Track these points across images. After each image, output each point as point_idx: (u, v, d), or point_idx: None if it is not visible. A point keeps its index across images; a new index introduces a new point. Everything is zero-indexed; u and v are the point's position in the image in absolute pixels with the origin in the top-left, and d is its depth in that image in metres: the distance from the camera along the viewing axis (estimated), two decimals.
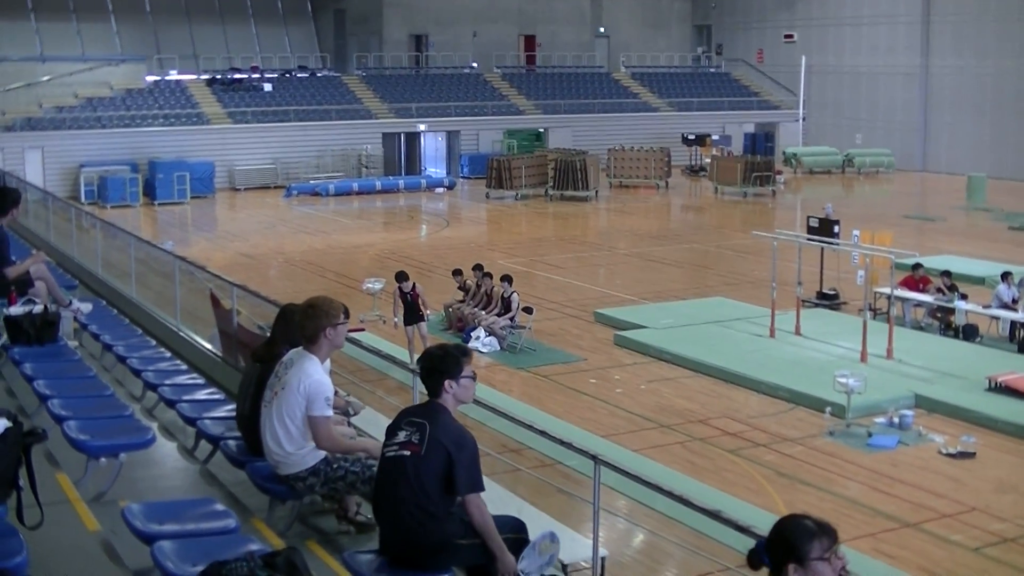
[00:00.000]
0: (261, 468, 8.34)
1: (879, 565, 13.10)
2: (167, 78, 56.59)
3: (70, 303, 14.16)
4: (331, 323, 8.00)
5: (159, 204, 47.63)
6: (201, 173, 50.15)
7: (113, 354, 12.64)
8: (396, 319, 23.09)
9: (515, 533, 7.05)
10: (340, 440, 8.09)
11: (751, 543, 6.40)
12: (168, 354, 12.95)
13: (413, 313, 22.60)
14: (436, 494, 6.83)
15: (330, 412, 8.00)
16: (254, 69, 59.02)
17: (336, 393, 9.20)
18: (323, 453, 7.96)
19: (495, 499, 8.72)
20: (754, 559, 5.20)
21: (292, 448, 7.90)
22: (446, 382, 7.01)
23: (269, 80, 57.86)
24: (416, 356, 20.32)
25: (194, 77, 57.16)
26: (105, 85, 53.75)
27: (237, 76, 57.68)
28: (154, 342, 13.88)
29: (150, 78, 55.74)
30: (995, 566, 13.66)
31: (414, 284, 22.76)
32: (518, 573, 6.84)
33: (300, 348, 8.06)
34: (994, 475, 17.27)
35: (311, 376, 7.88)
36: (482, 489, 6.95)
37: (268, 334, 9.39)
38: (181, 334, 15.43)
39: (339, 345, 8.32)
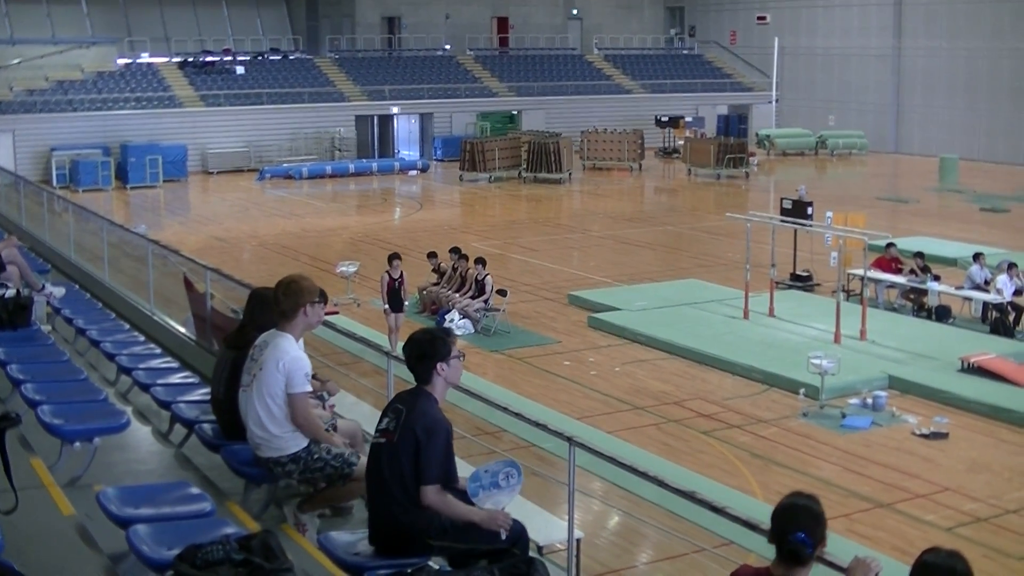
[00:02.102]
0: (236, 451, 8.34)
1: (853, 545, 13.15)
2: (139, 61, 56.31)
3: (43, 287, 14.11)
4: (310, 300, 8.01)
5: (131, 188, 47.41)
6: (173, 156, 49.94)
7: (86, 338, 12.60)
8: (385, 306, 22.45)
9: (511, 544, 7.00)
10: (316, 422, 8.09)
11: (725, 524, 6.44)
12: (142, 338, 12.92)
13: (397, 300, 22.37)
14: (411, 481, 6.84)
15: (309, 388, 7.99)
16: (226, 52, 58.76)
17: (314, 376, 9.20)
18: (305, 441, 7.94)
19: None
20: (800, 550, 5.23)
21: (277, 430, 7.89)
22: (438, 365, 7.03)
23: (241, 63, 57.63)
24: (397, 343, 20.27)
25: (166, 60, 56.89)
26: (76, 68, 53.42)
27: (209, 59, 57.43)
28: (128, 326, 13.85)
29: (121, 61, 55.39)
30: (968, 545, 13.72)
31: (402, 271, 22.46)
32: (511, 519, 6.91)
33: (273, 330, 8.04)
34: (967, 455, 17.36)
35: (288, 353, 7.87)
36: (453, 481, 6.94)
37: (242, 319, 9.37)
38: (155, 318, 15.38)
39: (314, 325, 8.32)
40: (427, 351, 7.06)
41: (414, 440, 6.84)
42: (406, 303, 23.19)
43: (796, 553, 5.21)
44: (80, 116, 50.29)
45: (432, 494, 6.82)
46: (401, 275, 22.18)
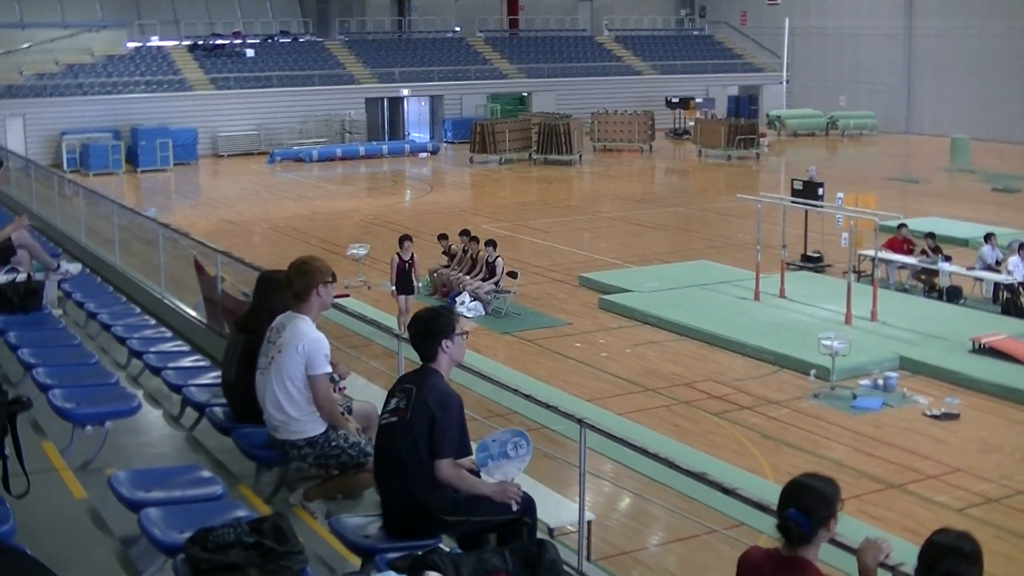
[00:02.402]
0: (248, 434, 8.35)
1: (864, 526, 13.15)
2: (148, 44, 56.28)
3: (58, 266, 14.13)
4: (323, 280, 8.01)
5: (142, 171, 47.46)
6: (184, 140, 49.98)
7: (97, 322, 12.61)
8: (393, 287, 22.56)
9: (520, 514, 7.00)
10: (335, 405, 8.10)
11: (736, 505, 6.43)
12: (153, 321, 12.92)
13: (407, 282, 22.33)
14: (427, 458, 6.85)
15: (329, 369, 8.00)
16: (236, 35, 58.70)
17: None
18: (323, 426, 7.93)
19: None
20: (790, 527, 5.21)
21: (296, 413, 7.88)
22: (443, 342, 7.04)
23: (251, 46, 57.58)
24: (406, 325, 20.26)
25: (176, 43, 56.87)
26: (86, 52, 53.46)
27: (219, 42, 57.38)
28: (138, 310, 13.85)
29: (131, 44, 55.44)
30: (979, 526, 13.71)
31: (413, 253, 22.45)
32: (514, 498, 6.91)
33: (289, 312, 8.04)
34: (978, 436, 17.35)
35: (308, 335, 7.87)
36: (467, 453, 6.96)
37: (251, 302, 9.37)
38: (165, 301, 15.39)
39: (327, 305, 8.33)
40: (432, 328, 7.08)
41: (429, 415, 6.86)
42: (418, 284, 23.21)
43: (787, 529, 5.20)
44: (90, 100, 50.35)
45: (447, 467, 6.84)
46: (412, 257, 22.20)
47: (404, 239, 22.46)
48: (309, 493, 8.03)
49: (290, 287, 8.05)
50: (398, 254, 22.20)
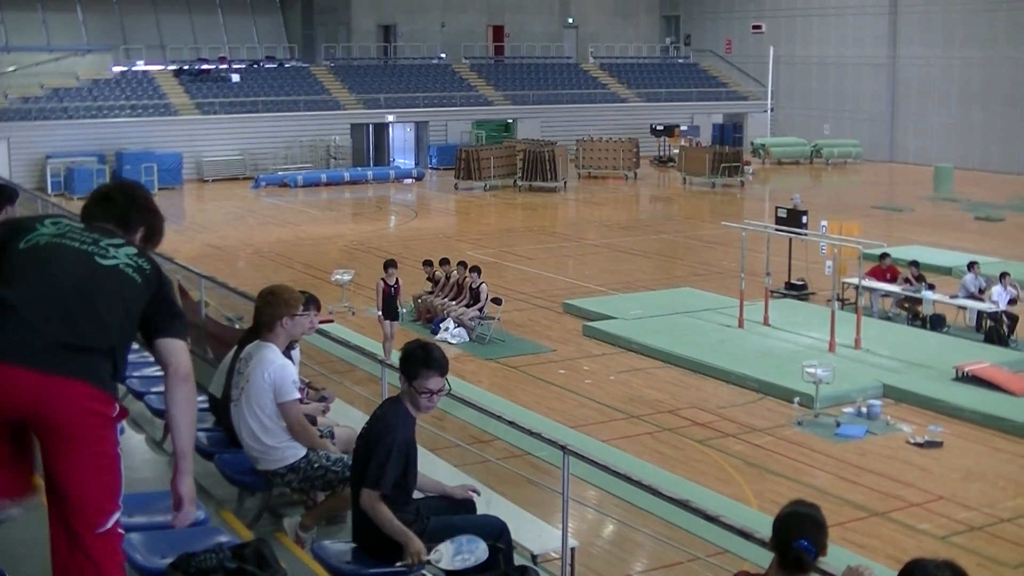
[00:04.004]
0: (230, 459, 8.32)
1: (847, 554, 13.14)
2: (134, 68, 56.24)
3: None
4: (288, 313, 8.00)
5: None
6: (169, 164, 49.90)
7: None
8: (379, 312, 22.52)
9: (494, 540, 6.97)
10: (311, 428, 8.08)
11: (720, 532, 6.43)
12: (136, 346, 12.86)
13: (392, 307, 22.27)
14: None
15: (297, 395, 7.98)
16: (222, 60, 58.74)
17: (309, 385, 9.17)
18: (303, 450, 7.92)
19: None
20: (803, 558, 5.23)
21: (271, 441, 7.87)
22: (404, 380, 6.91)
23: (237, 71, 57.58)
24: (391, 351, 20.26)
25: (161, 67, 56.86)
26: (71, 75, 53.42)
27: (205, 67, 57.38)
28: None
29: (117, 68, 55.40)
30: (963, 554, 13.72)
31: (397, 278, 22.42)
32: (427, 560, 6.76)
33: (257, 341, 8.05)
34: (961, 464, 17.37)
35: (273, 363, 7.87)
36: (380, 490, 6.80)
37: (236, 326, 9.36)
38: None
39: (296, 336, 8.32)
40: (403, 366, 6.92)
41: (365, 445, 6.89)
42: (403, 310, 23.18)
43: (800, 560, 5.21)
44: (75, 124, 50.28)
45: (366, 498, 6.78)
46: (397, 282, 22.17)
47: (389, 264, 22.43)
48: (305, 522, 7.96)
49: (258, 315, 8.07)
50: (383, 279, 22.17)
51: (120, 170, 48.09)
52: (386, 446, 6.79)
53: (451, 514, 7.16)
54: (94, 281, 4.91)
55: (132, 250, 5.12)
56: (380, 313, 22.24)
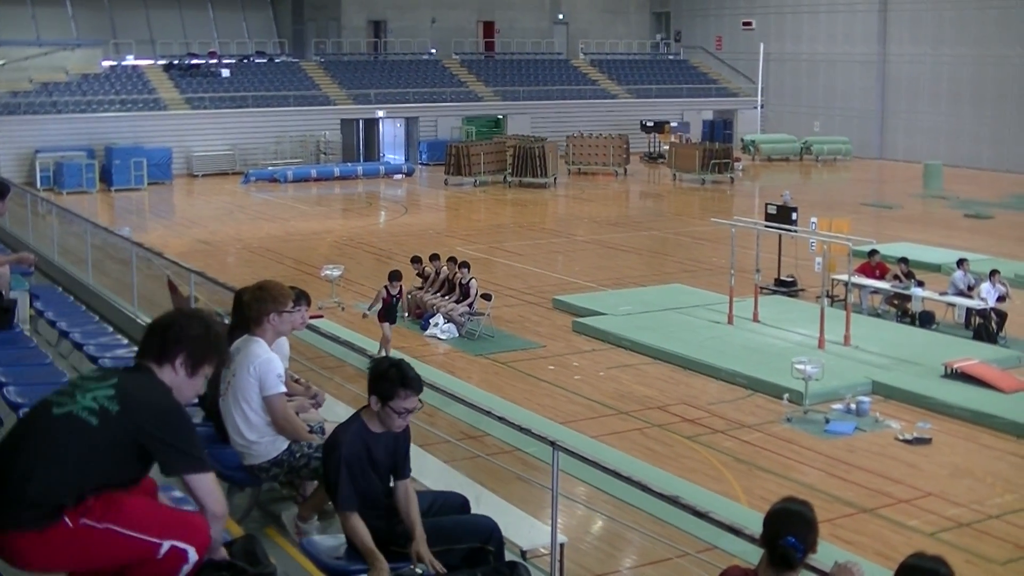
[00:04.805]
0: (218, 455, 8.30)
1: (836, 550, 13.16)
2: (124, 63, 56.15)
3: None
4: (276, 309, 8.02)
5: (116, 190, 47.27)
6: (158, 159, 49.79)
7: (69, 341, 12.55)
8: (368, 311, 22.50)
9: (483, 541, 6.96)
10: (296, 421, 8.08)
11: (709, 528, 6.43)
12: (125, 341, 12.86)
13: (392, 314, 22.13)
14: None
15: (283, 388, 7.98)
16: (212, 55, 58.68)
17: (298, 381, 9.16)
18: (285, 443, 7.94)
19: (454, 486, 8.72)
20: (790, 554, 5.24)
21: (255, 436, 7.89)
22: (374, 399, 6.80)
23: (227, 66, 57.51)
24: (388, 352, 20.24)
25: (151, 62, 56.76)
26: (61, 70, 53.30)
27: (194, 61, 57.30)
28: (111, 329, 13.79)
29: (106, 63, 55.28)
30: (951, 550, 13.74)
31: (401, 287, 22.33)
32: None
33: (246, 335, 8.05)
34: (950, 461, 17.40)
35: (259, 357, 7.88)
36: (341, 509, 6.80)
37: (227, 321, 9.35)
38: (138, 321, 15.35)
39: (285, 332, 8.33)
40: (377, 386, 6.81)
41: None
42: (404, 315, 23.14)
43: (786, 557, 5.21)
44: (64, 118, 50.18)
45: (340, 517, 6.86)
46: (400, 291, 22.13)
47: (395, 276, 22.21)
48: (302, 513, 7.97)
49: (247, 310, 8.07)
50: (386, 287, 21.95)
51: (110, 164, 48.02)
52: (333, 466, 6.79)
53: (442, 515, 7.14)
54: (38, 434, 5.08)
55: (108, 392, 5.14)
56: (368, 312, 22.32)
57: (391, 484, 6.99)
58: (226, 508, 5.34)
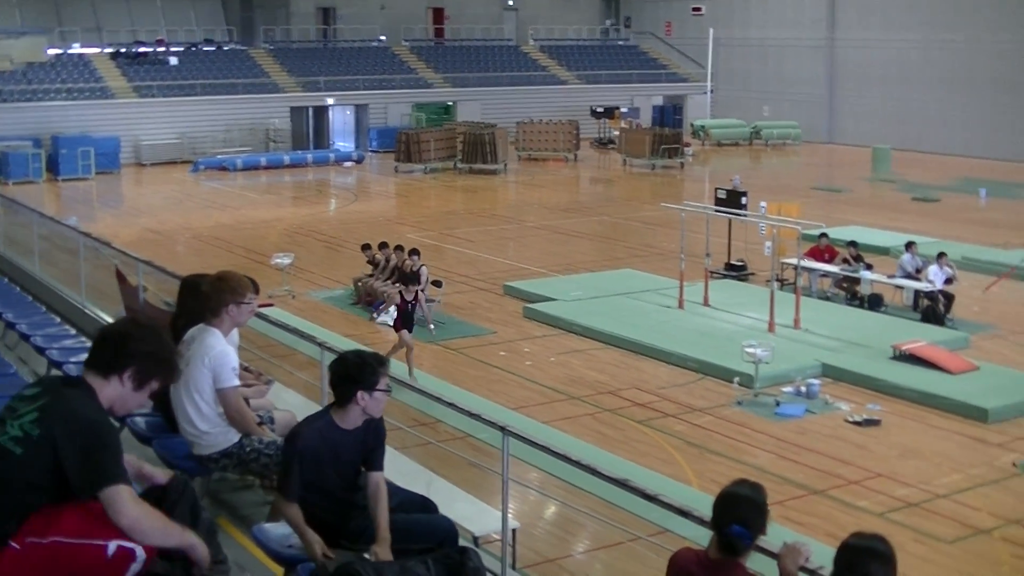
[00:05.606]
0: (169, 444, 8.29)
1: (786, 531, 13.25)
2: (70, 51, 55.62)
3: None
4: (235, 300, 7.97)
5: (63, 180, 46.87)
6: (106, 148, 49.35)
7: (16, 332, 12.46)
8: (374, 316, 22.13)
9: (438, 543, 6.84)
10: (248, 415, 8.06)
11: (660, 512, 6.45)
12: (73, 331, 12.79)
13: (409, 320, 20.81)
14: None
15: (237, 382, 7.96)
16: (160, 42, 58.26)
17: (247, 369, 9.13)
18: (237, 436, 7.92)
19: (406, 472, 8.73)
20: (735, 543, 5.26)
21: (206, 427, 7.87)
22: (359, 392, 6.69)
23: (175, 54, 57.10)
24: (412, 364, 20.11)
25: (98, 51, 56.27)
26: (6, 59, 52.69)
27: (142, 50, 56.87)
28: (58, 319, 13.71)
29: (52, 51, 54.74)
30: (900, 530, 13.88)
31: (417, 292, 21.10)
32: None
33: (201, 324, 8.00)
34: (899, 442, 17.55)
35: (214, 348, 7.84)
36: (285, 497, 6.79)
37: (174, 310, 9.30)
38: (86, 311, 15.25)
39: (241, 323, 8.28)
40: (352, 374, 6.72)
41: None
42: (420, 316, 22.54)
43: (732, 546, 5.25)
44: (10, 107, 49.67)
45: (276, 501, 6.92)
46: (416, 296, 20.95)
47: (411, 281, 21.29)
48: (264, 484, 8.01)
49: (207, 301, 8.02)
50: (400, 293, 21.08)
51: (56, 154, 47.58)
52: (287, 455, 6.79)
53: (405, 512, 7.09)
54: None
55: (32, 416, 5.12)
56: (375, 317, 22.41)
57: (357, 480, 6.94)
58: (153, 526, 5.17)
